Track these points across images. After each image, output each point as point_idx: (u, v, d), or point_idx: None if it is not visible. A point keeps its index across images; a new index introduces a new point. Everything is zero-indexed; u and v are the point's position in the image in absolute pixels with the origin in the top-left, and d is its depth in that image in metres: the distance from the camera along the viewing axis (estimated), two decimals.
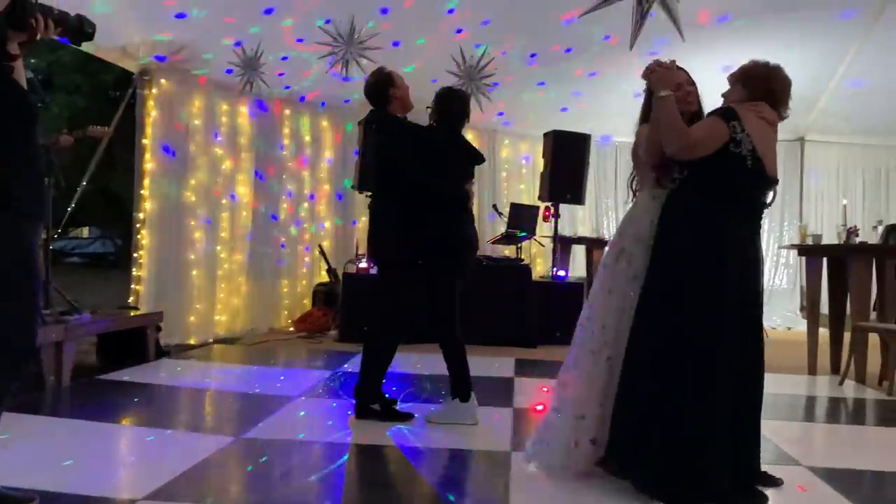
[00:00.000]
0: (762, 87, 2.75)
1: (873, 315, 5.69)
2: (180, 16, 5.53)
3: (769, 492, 2.74)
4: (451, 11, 5.86)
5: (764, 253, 3.00)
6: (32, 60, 5.41)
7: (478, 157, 3.96)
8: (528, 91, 7.44)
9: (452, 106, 3.88)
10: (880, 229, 6.98)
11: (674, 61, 2.78)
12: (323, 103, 7.42)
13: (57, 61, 11.31)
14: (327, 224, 7.76)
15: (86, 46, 5.92)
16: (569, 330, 6.95)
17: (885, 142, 9.19)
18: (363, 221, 7.72)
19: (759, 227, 2.83)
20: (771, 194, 2.88)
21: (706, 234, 2.68)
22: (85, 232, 20.67)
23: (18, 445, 3.13)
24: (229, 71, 5.92)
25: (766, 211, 2.91)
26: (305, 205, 7.53)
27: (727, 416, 2.64)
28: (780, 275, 9.33)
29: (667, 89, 2.69)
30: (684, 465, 2.59)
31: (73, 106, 12.26)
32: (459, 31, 6.10)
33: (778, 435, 3.52)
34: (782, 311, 9.07)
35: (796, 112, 2.86)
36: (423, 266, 3.74)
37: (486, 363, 5.51)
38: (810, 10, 6.23)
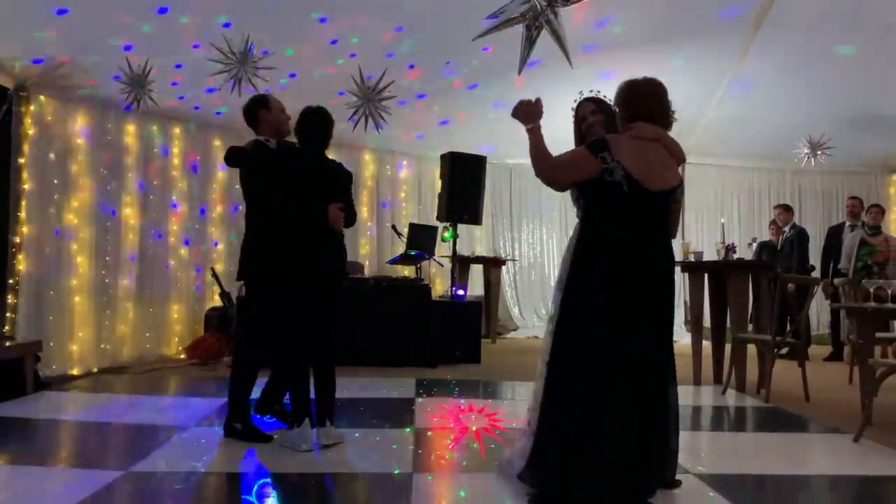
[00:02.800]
0: (636, 106, 2.95)
1: (751, 327, 6.08)
2: (61, 12, 5.20)
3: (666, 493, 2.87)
4: (323, 20, 5.87)
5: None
6: None
7: (337, 179, 3.93)
8: (421, 110, 7.50)
9: (311, 128, 3.88)
10: (754, 246, 7.48)
11: (539, 99, 3.02)
12: (218, 113, 7.22)
13: None
14: (220, 245, 7.53)
15: None
16: (469, 348, 7.11)
17: (758, 164, 9.88)
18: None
19: (658, 237, 2.94)
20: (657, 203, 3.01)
21: (596, 250, 2.89)
22: None
23: None
24: (117, 77, 5.65)
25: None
26: (197, 226, 7.28)
27: (620, 419, 2.75)
28: None
29: (532, 122, 2.96)
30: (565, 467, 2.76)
31: None
32: (334, 42, 6.10)
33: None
34: None
35: (677, 135, 3.04)
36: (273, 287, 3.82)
37: (387, 384, 5.49)
38: (690, 36, 6.62)
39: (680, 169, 3.04)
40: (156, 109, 6.25)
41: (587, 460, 2.73)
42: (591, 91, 3.29)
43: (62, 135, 6.03)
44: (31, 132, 5.78)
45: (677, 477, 3.05)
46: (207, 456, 3.60)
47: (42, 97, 5.83)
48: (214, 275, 7.11)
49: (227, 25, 5.55)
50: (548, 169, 2.92)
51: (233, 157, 3.92)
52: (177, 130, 7.08)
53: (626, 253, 2.86)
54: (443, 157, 7.77)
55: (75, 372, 5.75)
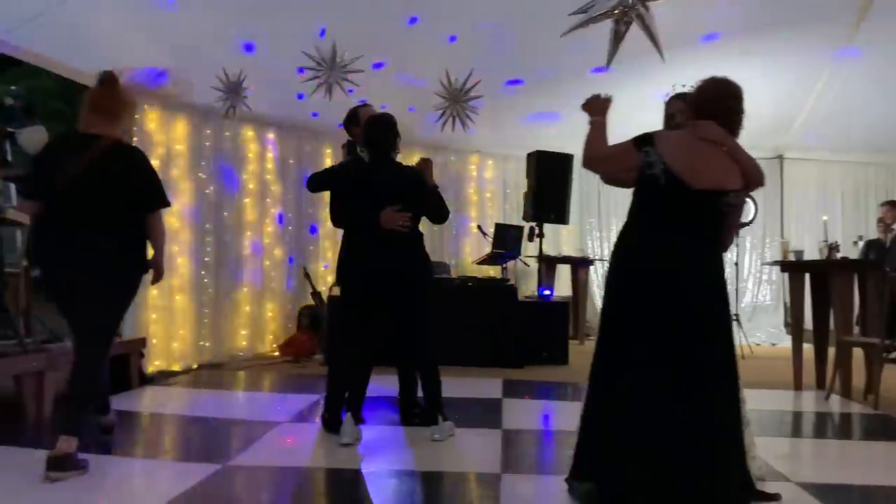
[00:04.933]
0: (699, 105, 2.87)
1: (857, 329, 5.75)
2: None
3: None
4: (413, 20, 5.91)
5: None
6: (13, 87, 5.36)
7: (405, 183, 3.96)
8: (510, 111, 7.47)
9: (376, 135, 3.96)
10: (860, 245, 7.08)
11: (610, 97, 3.03)
12: (314, 114, 7.42)
13: (37, 87, 11.25)
14: (312, 246, 7.73)
15: (64, 71, 5.92)
16: (556, 350, 7.02)
17: (862, 158, 9.34)
18: None
19: (697, 239, 2.80)
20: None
21: (623, 250, 2.89)
22: None
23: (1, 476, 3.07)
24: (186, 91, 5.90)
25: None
26: (290, 227, 7.50)
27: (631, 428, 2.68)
28: (764, 291, 9.41)
29: (598, 116, 2.98)
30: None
31: (52, 132, 12.13)
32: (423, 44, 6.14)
33: (766, 451, 3.52)
34: (766, 328, 9.13)
35: (774, 130, 2.91)
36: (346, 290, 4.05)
37: (473, 384, 5.49)
38: (787, 30, 6.32)
39: (771, 170, 2.89)
40: (250, 115, 6.49)
41: (609, 469, 2.72)
42: (682, 86, 3.19)
43: (163, 142, 6.32)
44: (134, 139, 6.09)
45: (776, 491, 2.91)
46: (302, 451, 3.70)
47: (145, 106, 6.14)
48: (307, 275, 7.31)
49: (322, 34, 5.69)
50: (592, 159, 2.95)
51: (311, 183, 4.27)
52: (271, 135, 7.31)
53: (651, 254, 2.77)
54: (529, 155, 7.72)
55: (176, 368, 6.02)
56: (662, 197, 2.78)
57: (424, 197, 3.99)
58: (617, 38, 4.77)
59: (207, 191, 6.67)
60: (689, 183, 2.75)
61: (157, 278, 3.67)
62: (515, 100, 7.27)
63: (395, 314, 3.90)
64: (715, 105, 2.84)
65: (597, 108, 3.01)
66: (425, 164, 4.09)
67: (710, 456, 2.66)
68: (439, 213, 4.09)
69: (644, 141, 2.83)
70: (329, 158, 7.75)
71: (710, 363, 2.75)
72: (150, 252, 3.55)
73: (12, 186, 5.28)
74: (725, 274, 2.91)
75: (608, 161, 2.98)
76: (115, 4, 5.08)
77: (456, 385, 5.41)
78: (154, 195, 3.45)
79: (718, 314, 2.82)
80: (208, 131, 6.70)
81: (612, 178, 3.09)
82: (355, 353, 3.89)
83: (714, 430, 2.69)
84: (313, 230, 7.75)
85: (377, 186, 3.89)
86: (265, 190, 7.29)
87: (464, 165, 8.85)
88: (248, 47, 5.86)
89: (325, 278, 7.63)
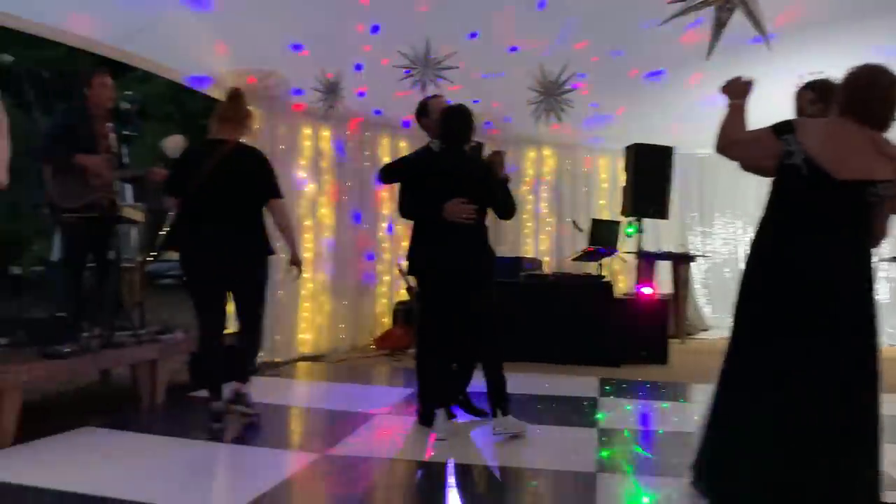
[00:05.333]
0: (858, 97, 2.63)
1: None
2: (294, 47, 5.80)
3: None
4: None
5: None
6: (128, 92, 5.67)
7: (474, 174, 3.95)
8: (602, 102, 7.29)
9: (451, 126, 3.95)
10: None
11: (751, 80, 2.85)
12: (406, 123, 7.51)
13: (150, 92, 11.91)
14: (405, 243, 7.80)
15: (175, 75, 6.24)
16: (655, 348, 6.81)
17: None
18: None
19: (841, 234, 2.63)
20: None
21: (765, 246, 2.72)
22: (176, 255, 21.61)
23: (113, 460, 3.26)
24: (297, 92, 6.03)
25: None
26: (385, 224, 7.61)
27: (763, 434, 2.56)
28: (883, 289, 8.83)
29: (738, 99, 2.82)
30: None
31: (166, 135, 12.80)
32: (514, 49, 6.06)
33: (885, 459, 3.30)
34: (886, 327, 8.56)
35: None
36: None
37: (568, 382, 5.41)
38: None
39: None
40: (347, 115, 6.62)
41: (728, 476, 2.61)
42: (810, 74, 3.02)
43: (266, 142, 6.54)
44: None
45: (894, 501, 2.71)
46: (396, 443, 3.75)
47: (249, 107, 6.35)
48: (401, 271, 7.40)
49: (412, 32, 5.74)
50: (726, 144, 2.80)
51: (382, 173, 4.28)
52: (367, 134, 7.44)
53: (796, 252, 2.60)
54: (627, 149, 7.53)
55: (278, 360, 6.22)
56: (804, 188, 2.62)
57: (492, 189, 3.97)
58: (719, 26, 4.58)
59: (306, 189, 6.85)
60: (833, 173, 2.58)
61: (299, 272, 4.27)
62: (609, 93, 7.10)
63: (459, 307, 3.88)
64: (869, 93, 2.62)
65: (736, 90, 2.85)
66: (497, 156, 4.08)
67: (854, 464, 2.56)
68: (506, 208, 4.07)
69: (784, 128, 2.67)
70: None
71: (858, 368, 2.61)
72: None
73: (128, 187, 5.60)
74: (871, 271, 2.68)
75: (745, 146, 2.80)
76: (216, 13, 5.29)
77: (550, 383, 5.37)
78: (271, 187, 4.04)
79: (866, 317, 2.64)
80: (307, 131, 6.87)
81: (750, 166, 2.88)
82: (431, 346, 3.91)
83: (859, 439, 2.57)
84: (390, 229, 7.79)
85: (443, 177, 3.89)
86: (365, 187, 7.42)
87: (560, 159, 8.72)
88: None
89: None
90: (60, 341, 3.86)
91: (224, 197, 3.88)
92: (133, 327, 4.57)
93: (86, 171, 4.43)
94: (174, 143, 4.82)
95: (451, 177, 3.89)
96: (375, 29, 5.78)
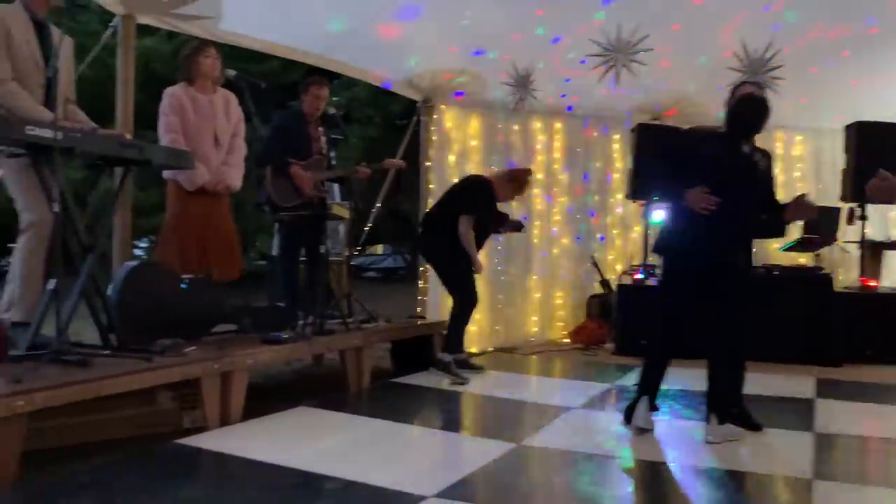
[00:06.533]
0: None
1: None
2: (476, 53, 5.94)
3: None
4: None
5: None
6: (335, 98, 6.09)
7: (750, 167, 3.68)
8: (815, 79, 6.65)
9: (742, 110, 3.65)
10: None
11: None
12: (587, 119, 7.37)
13: (354, 97, 12.69)
14: (598, 233, 7.66)
15: (376, 79, 6.57)
16: (884, 347, 6.13)
17: None
18: (637, 231, 7.52)
19: None
20: None
21: None
22: (379, 249, 22.83)
23: (325, 438, 3.51)
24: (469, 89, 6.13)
25: None
26: (578, 216, 7.51)
27: None
28: None
29: None
30: None
31: (367, 137, 13.60)
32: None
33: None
34: None
35: None
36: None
37: (781, 382, 5.02)
38: None
39: None
40: (538, 107, 6.62)
41: None
42: None
43: (459, 139, 6.73)
44: (434, 139, 6.58)
45: None
46: (593, 437, 3.69)
47: (442, 106, 6.58)
48: (594, 263, 7.27)
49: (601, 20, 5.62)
50: None
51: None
52: (557, 125, 7.38)
53: None
54: (847, 128, 6.82)
55: (473, 350, 6.36)
56: None
57: (766, 189, 3.72)
58: None
59: None
60: None
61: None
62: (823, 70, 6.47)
63: (709, 301, 3.64)
64: None
65: None
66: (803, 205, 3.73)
67: None
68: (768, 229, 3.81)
69: None
70: (617, 144, 7.62)
71: None
72: None
73: (336, 186, 6.01)
74: None
75: None
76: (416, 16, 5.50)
77: (761, 382, 5.00)
78: None
79: None
80: (499, 126, 6.96)
81: None
82: (664, 336, 3.75)
83: None
84: (592, 215, 7.66)
85: (711, 163, 3.63)
86: (552, 179, 7.38)
87: (766, 143, 8.09)
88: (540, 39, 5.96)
89: (615, 266, 7.52)
90: (279, 328, 4.22)
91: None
92: (342, 316, 4.89)
93: (294, 179, 4.86)
94: None
95: (712, 167, 3.63)
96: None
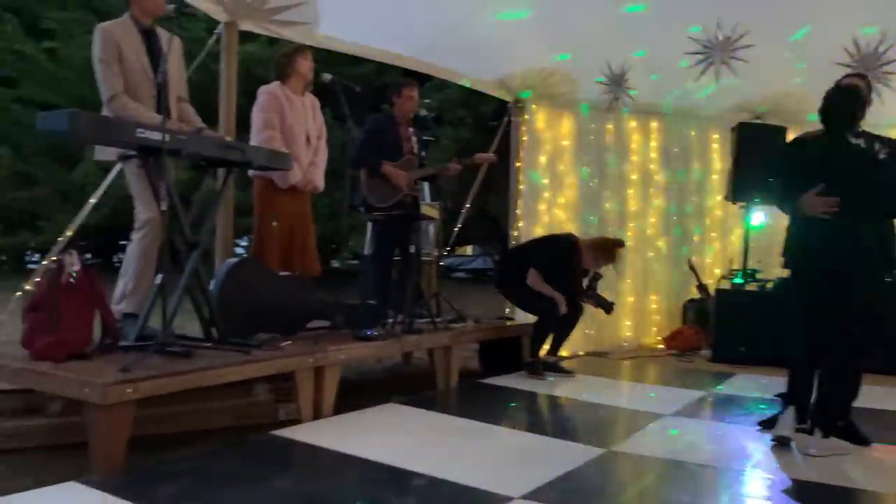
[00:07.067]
0: None
1: None
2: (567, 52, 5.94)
3: None
4: None
5: None
6: (427, 100, 6.16)
7: (854, 162, 3.46)
8: None
9: (830, 102, 3.51)
10: None
11: None
12: (684, 118, 7.15)
13: (445, 98, 12.79)
14: (696, 237, 7.42)
15: (468, 81, 6.60)
16: None
17: None
18: (736, 234, 7.24)
19: None
20: None
21: None
22: (468, 250, 22.91)
23: (413, 435, 3.55)
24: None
25: None
26: (674, 217, 7.30)
27: None
28: None
29: None
30: None
31: (459, 138, 13.68)
32: None
33: None
34: None
35: None
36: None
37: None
38: None
39: None
40: (632, 106, 6.48)
41: None
42: None
43: (551, 139, 6.67)
44: (524, 139, 6.54)
45: None
46: (684, 445, 3.57)
47: (533, 106, 6.54)
48: (691, 267, 7.05)
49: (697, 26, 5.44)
50: None
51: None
52: (653, 124, 7.21)
53: None
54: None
55: (563, 353, 6.27)
56: None
57: (875, 182, 3.41)
58: None
59: (591, 183, 6.83)
60: None
61: None
62: None
63: (829, 308, 3.46)
64: None
65: None
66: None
67: None
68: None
69: None
70: (716, 143, 7.36)
71: None
72: None
73: (426, 187, 6.07)
74: None
75: None
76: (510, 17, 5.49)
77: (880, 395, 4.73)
78: None
79: None
80: (593, 125, 6.85)
81: None
82: (799, 345, 3.59)
83: None
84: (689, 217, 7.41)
85: (812, 166, 3.49)
86: (648, 180, 7.20)
87: None
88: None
89: (713, 270, 7.27)
90: (370, 326, 4.30)
91: None
92: (431, 315, 4.93)
93: (389, 178, 4.95)
94: None
95: (820, 167, 3.48)
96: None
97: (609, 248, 5.36)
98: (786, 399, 3.60)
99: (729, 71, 5.83)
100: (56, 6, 12.94)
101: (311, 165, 4.59)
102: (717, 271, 7.20)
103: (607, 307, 5.49)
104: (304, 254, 4.58)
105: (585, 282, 5.44)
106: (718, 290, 6.46)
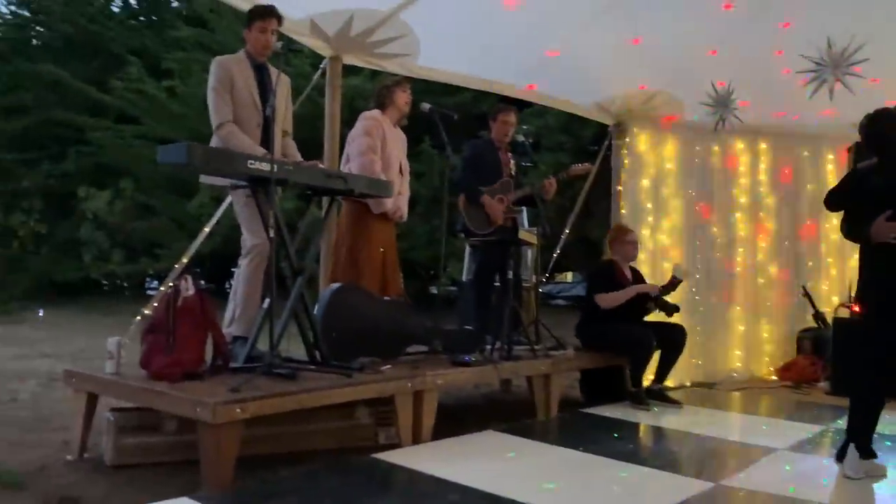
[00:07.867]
0: None
1: None
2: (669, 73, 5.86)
3: None
4: None
5: None
6: (525, 126, 6.18)
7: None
8: None
9: (877, 128, 3.46)
10: None
11: None
12: (796, 138, 6.83)
13: (545, 125, 12.76)
14: (811, 263, 7.03)
15: (566, 105, 6.57)
16: None
17: None
18: (854, 259, 6.80)
19: None
20: None
21: None
22: (568, 277, 22.61)
23: (512, 463, 3.51)
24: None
25: None
26: (787, 242, 6.96)
27: None
28: None
29: None
30: None
31: (557, 163, 13.56)
32: None
33: None
34: None
35: None
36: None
37: None
38: None
39: None
40: (741, 127, 6.25)
41: None
42: None
43: (654, 162, 6.51)
44: (626, 162, 6.42)
45: None
46: (798, 481, 3.36)
47: (635, 129, 6.42)
48: (807, 294, 6.68)
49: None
50: None
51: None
52: (763, 146, 6.93)
53: None
54: None
55: (669, 384, 6.06)
56: None
57: None
58: None
59: (697, 208, 6.62)
60: None
61: None
62: None
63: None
64: None
65: None
66: None
67: None
68: None
69: None
70: (831, 164, 6.99)
71: None
72: None
73: (525, 210, 6.06)
74: None
75: None
76: (606, 41, 5.42)
77: None
78: None
79: None
80: (697, 148, 6.66)
81: None
82: (869, 380, 3.40)
83: None
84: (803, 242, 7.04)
85: (875, 192, 3.38)
86: (757, 203, 6.91)
87: None
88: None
89: (830, 298, 6.86)
90: (468, 351, 4.29)
91: None
92: (529, 342, 4.88)
93: (486, 209, 5.03)
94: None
95: (880, 191, 3.38)
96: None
97: (614, 238, 5.48)
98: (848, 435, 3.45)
99: (844, 88, 5.54)
100: (176, 47, 13.83)
101: (399, 195, 4.67)
102: (835, 299, 6.79)
103: (670, 310, 5.36)
104: (392, 279, 4.65)
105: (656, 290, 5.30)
106: (836, 319, 6.09)
